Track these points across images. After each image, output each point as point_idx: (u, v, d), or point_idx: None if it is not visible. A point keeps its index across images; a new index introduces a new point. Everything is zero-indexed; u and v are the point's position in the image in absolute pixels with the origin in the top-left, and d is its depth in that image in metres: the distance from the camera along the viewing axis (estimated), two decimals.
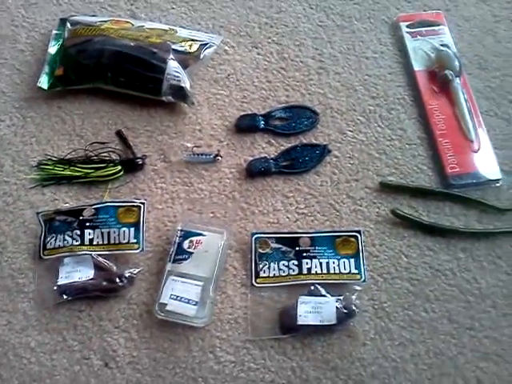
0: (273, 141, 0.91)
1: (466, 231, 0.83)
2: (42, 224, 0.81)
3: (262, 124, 0.91)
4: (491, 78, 0.97)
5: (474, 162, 0.88)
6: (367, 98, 0.95)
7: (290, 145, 0.90)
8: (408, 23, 1.01)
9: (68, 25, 0.97)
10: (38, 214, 0.82)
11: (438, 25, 1.01)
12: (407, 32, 1.00)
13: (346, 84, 0.96)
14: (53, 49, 0.95)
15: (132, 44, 0.92)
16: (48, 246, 0.80)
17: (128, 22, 0.98)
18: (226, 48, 0.99)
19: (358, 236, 0.80)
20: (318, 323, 0.75)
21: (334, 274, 0.78)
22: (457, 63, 0.95)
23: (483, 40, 1.01)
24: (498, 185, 0.87)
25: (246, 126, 0.91)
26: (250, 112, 0.93)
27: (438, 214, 0.85)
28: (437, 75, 0.95)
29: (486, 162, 0.88)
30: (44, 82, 0.93)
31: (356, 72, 0.97)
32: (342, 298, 0.77)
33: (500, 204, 0.85)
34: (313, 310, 0.75)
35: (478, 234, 0.83)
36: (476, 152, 0.89)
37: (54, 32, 0.97)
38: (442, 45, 0.98)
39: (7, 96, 0.94)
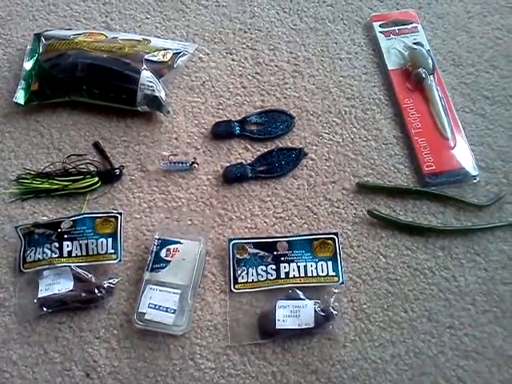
0: (249, 146, 0.91)
1: (444, 229, 0.84)
2: (22, 237, 0.82)
3: (237, 130, 0.92)
4: (466, 75, 0.98)
5: (451, 160, 0.88)
6: (342, 99, 0.95)
7: (266, 149, 0.91)
8: (381, 23, 1.02)
9: (42, 39, 0.97)
10: (16, 228, 0.82)
11: (411, 23, 1.02)
12: (380, 32, 1.01)
13: (320, 86, 0.96)
14: (28, 64, 0.96)
15: (105, 56, 0.92)
16: (28, 259, 0.81)
17: (102, 33, 0.98)
18: (201, 55, 1.00)
19: (335, 238, 0.81)
20: (297, 327, 0.75)
21: (312, 277, 0.79)
22: (430, 61, 0.96)
23: (457, 36, 1.02)
24: (474, 181, 0.87)
25: (221, 132, 0.92)
26: (225, 118, 0.93)
27: (416, 213, 0.85)
28: (411, 74, 0.95)
29: (462, 159, 0.88)
30: (20, 98, 0.93)
31: (331, 74, 0.98)
32: (320, 301, 0.77)
33: (477, 201, 0.86)
34: (291, 314, 0.76)
35: (456, 232, 0.84)
36: (452, 149, 0.89)
37: (29, 47, 0.97)
38: (415, 43, 0.99)
39: None
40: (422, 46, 0.98)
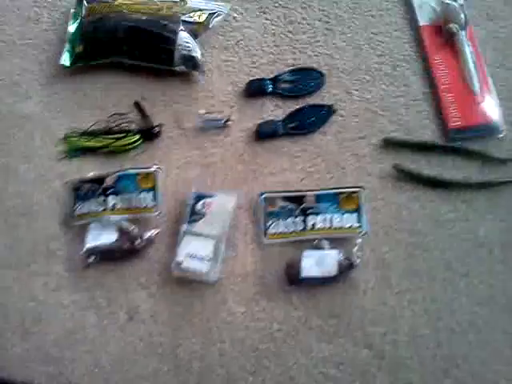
0: (281, 103, 0.95)
1: (467, 183, 0.86)
2: (70, 192, 0.89)
3: (270, 88, 0.95)
4: (499, 28, 0.97)
5: (478, 115, 0.90)
6: (373, 56, 0.97)
7: (297, 106, 0.94)
8: None
9: (85, 3, 1.02)
10: (66, 183, 0.90)
11: None
12: None
13: (351, 44, 0.98)
14: (72, 27, 1.01)
15: (144, 18, 0.96)
16: (76, 213, 0.88)
17: None
18: (235, 15, 1.03)
19: (361, 191, 0.84)
20: (321, 275, 0.80)
21: (337, 228, 0.83)
22: (462, 16, 0.96)
23: None
24: (500, 136, 0.89)
25: (254, 90, 0.96)
26: (258, 77, 0.97)
27: (441, 168, 0.88)
28: (442, 29, 0.96)
29: (489, 114, 0.90)
30: (66, 60, 0.99)
31: (362, 31, 0.99)
32: (343, 250, 0.82)
33: (501, 155, 0.87)
34: (316, 263, 0.81)
35: (479, 185, 0.86)
36: (480, 105, 0.90)
37: (72, 11, 1.02)
38: None
39: (33, 74, 1.00)
40: (455, 0, 0.98)
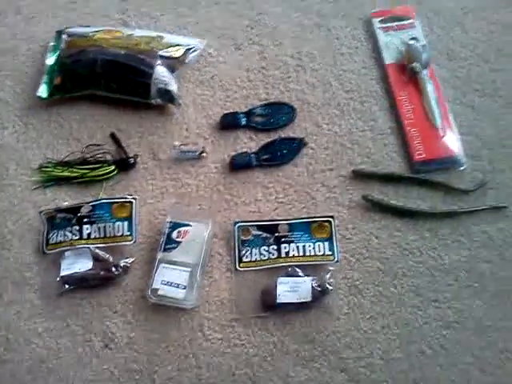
0: (254, 136, 0.98)
1: (432, 212, 0.90)
2: (45, 222, 0.90)
3: (243, 121, 0.99)
4: (458, 68, 1.03)
5: (440, 148, 0.95)
6: (341, 92, 1.02)
7: (269, 139, 0.97)
8: (380, 18, 1.08)
9: (64, 36, 1.04)
10: (40, 212, 0.90)
11: (409, 19, 1.07)
12: (379, 27, 1.07)
13: (321, 80, 1.03)
14: (50, 60, 1.03)
15: (122, 52, 0.99)
16: (50, 242, 0.89)
17: (118, 31, 1.05)
18: (210, 51, 1.06)
19: (332, 221, 0.88)
20: (296, 301, 0.83)
21: (310, 256, 0.86)
22: (424, 56, 1.01)
23: (452, 31, 1.07)
24: (462, 168, 0.94)
25: (228, 123, 0.99)
26: (232, 110, 1.00)
27: (407, 198, 0.92)
28: (406, 68, 1.01)
29: (451, 148, 0.95)
30: (43, 91, 1.01)
31: (332, 68, 1.04)
32: (317, 277, 0.84)
33: (463, 186, 0.92)
34: (291, 289, 0.83)
35: (443, 215, 0.90)
36: (442, 139, 0.95)
37: (51, 44, 1.05)
38: (412, 38, 1.05)
39: (10, 105, 1.02)
40: (418, 41, 1.04)
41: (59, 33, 1.06)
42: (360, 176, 0.94)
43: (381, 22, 1.08)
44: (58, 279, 0.86)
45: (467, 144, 0.95)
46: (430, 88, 0.99)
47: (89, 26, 1.09)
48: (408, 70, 1.01)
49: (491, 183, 0.92)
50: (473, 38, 1.06)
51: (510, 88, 1.01)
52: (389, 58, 1.04)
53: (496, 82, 1.01)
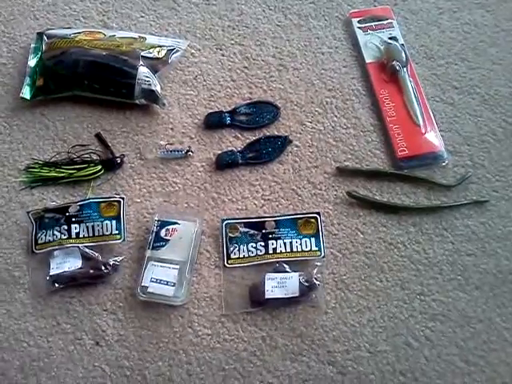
0: (239, 135, 0.99)
1: (416, 207, 0.92)
2: (33, 222, 0.89)
3: (228, 120, 1.00)
4: (437, 66, 1.06)
5: (422, 145, 0.97)
6: (324, 90, 1.03)
7: (254, 138, 0.99)
8: (359, 19, 1.10)
9: (45, 38, 1.04)
10: (28, 212, 0.90)
11: (387, 19, 1.10)
12: (359, 27, 1.09)
13: (304, 79, 1.05)
14: (32, 61, 1.03)
15: (104, 53, 0.99)
16: (39, 241, 0.88)
17: (100, 32, 1.05)
18: (193, 51, 1.07)
19: (318, 217, 0.89)
20: (284, 296, 0.84)
21: (297, 252, 0.87)
22: (403, 54, 1.04)
23: (429, 31, 1.10)
24: (443, 164, 0.96)
25: (213, 122, 1.00)
26: (217, 109, 1.01)
27: (391, 194, 0.94)
28: (386, 66, 1.04)
29: (432, 144, 0.97)
30: (26, 93, 1.00)
31: (313, 67, 1.06)
32: (304, 273, 0.86)
33: (446, 181, 0.94)
34: (278, 285, 0.84)
35: (427, 210, 0.92)
36: (423, 135, 0.98)
37: (33, 46, 1.05)
38: (390, 37, 1.07)
39: None
40: (397, 40, 1.07)
41: (40, 34, 1.06)
42: (344, 173, 0.95)
43: (360, 22, 1.10)
44: (48, 278, 0.86)
45: (448, 140, 0.98)
46: (410, 86, 1.01)
47: (70, 28, 1.09)
48: (388, 69, 1.03)
49: (472, 178, 0.95)
50: (449, 37, 1.09)
51: (487, 85, 1.04)
52: (369, 57, 1.06)
53: (473, 80, 1.04)
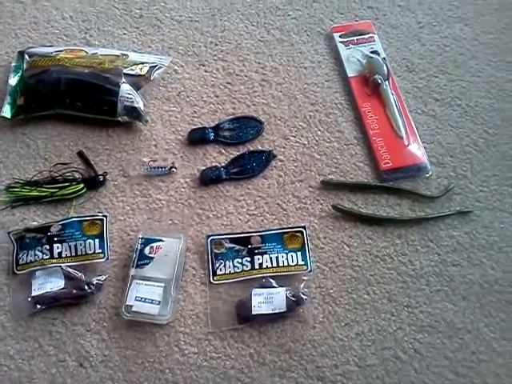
0: (223, 150, 0.99)
1: (401, 219, 0.92)
2: (14, 242, 0.88)
3: (211, 136, 0.99)
4: (418, 79, 1.07)
5: (405, 157, 0.97)
6: (307, 104, 1.04)
7: (238, 153, 0.98)
8: (341, 33, 1.11)
9: (26, 57, 1.03)
10: (9, 233, 0.88)
11: (368, 33, 1.11)
12: (340, 41, 1.10)
13: (287, 93, 1.05)
14: (13, 80, 1.02)
15: (86, 71, 0.99)
16: (20, 262, 0.87)
17: (82, 50, 1.05)
18: (176, 68, 1.07)
19: (303, 231, 0.89)
20: (271, 312, 0.83)
21: (283, 266, 0.87)
22: (385, 68, 1.04)
23: (409, 45, 1.11)
24: (427, 175, 0.96)
25: (197, 138, 0.99)
26: (200, 125, 1.01)
27: (376, 206, 0.94)
28: (368, 80, 1.04)
29: (415, 156, 0.97)
30: (7, 112, 0.99)
31: (296, 82, 1.06)
32: (291, 287, 0.85)
33: (430, 193, 0.95)
34: (265, 301, 0.84)
35: (412, 221, 0.92)
36: (406, 147, 0.98)
37: (13, 64, 1.04)
38: (372, 51, 1.08)
39: None
40: (378, 54, 1.08)
41: (21, 53, 1.05)
42: (329, 186, 0.95)
43: (341, 36, 1.11)
44: (29, 300, 0.84)
45: (431, 152, 0.98)
46: (392, 99, 1.02)
47: (51, 46, 1.09)
48: (370, 82, 1.04)
49: (456, 189, 0.95)
50: (430, 50, 1.10)
51: (467, 97, 1.05)
52: (351, 71, 1.07)
53: (454, 92, 1.05)
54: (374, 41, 1.10)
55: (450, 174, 0.96)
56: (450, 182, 0.95)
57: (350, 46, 1.09)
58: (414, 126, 1.00)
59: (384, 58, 1.07)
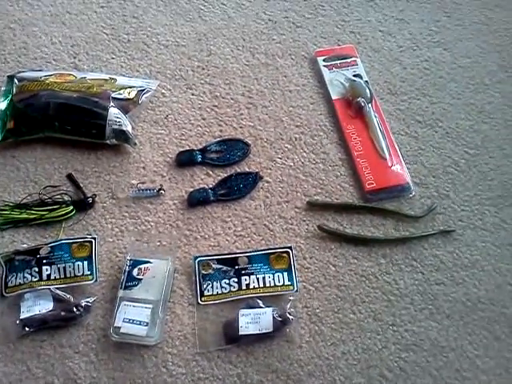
0: (210, 172, 1.01)
1: (385, 239, 0.94)
2: (3, 265, 0.89)
3: (199, 158, 1.01)
4: (400, 102, 1.10)
5: (389, 178, 0.99)
6: (292, 127, 1.06)
7: (225, 175, 1.00)
8: (324, 57, 1.14)
9: (15, 81, 1.05)
10: None
11: (351, 57, 1.14)
12: (324, 65, 1.13)
13: (272, 116, 1.07)
14: (3, 104, 1.03)
15: (75, 95, 1.01)
16: (9, 284, 0.87)
17: (71, 74, 1.07)
18: (163, 91, 1.09)
19: (290, 251, 0.90)
20: (258, 332, 0.84)
21: (270, 287, 0.88)
22: (368, 91, 1.07)
23: (391, 68, 1.14)
24: (410, 196, 0.98)
25: (185, 160, 1.01)
26: (188, 148, 1.03)
27: (360, 226, 0.96)
28: (351, 103, 1.07)
29: (399, 177, 0.99)
30: None
31: (281, 104, 1.09)
32: (277, 307, 0.86)
33: (413, 213, 0.97)
34: (252, 321, 0.85)
35: (396, 241, 0.94)
36: (390, 168, 1.00)
37: (3, 88, 1.05)
38: (355, 75, 1.11)
39: None
40: (361, 77, 1.10)
41: (10, 77, 1.06)
42: (315, 207, 0.97)
43: (325, 60, 1.13)
44: (18, 322, 0.84)
45: (414, 172, 1.01)
46: (375, 121, 1.04)
47: (41, 70, 1.10)
48: (354, 105, 1.06)
49: (439, 208, 0.97)
50: (411, 73, 1.14)
51: (448, 119, 1.08)
52: (335, 94, 1.09)
53: (435, 114, 1.08)
54: (357, 64, 1.13)
55: (433, 194, 0.99)
56: (433, 202, 0.97)
57: (334, 69, 1.12)
58: (397, 147, 1.03)
59: (366, 81, 1.10)
